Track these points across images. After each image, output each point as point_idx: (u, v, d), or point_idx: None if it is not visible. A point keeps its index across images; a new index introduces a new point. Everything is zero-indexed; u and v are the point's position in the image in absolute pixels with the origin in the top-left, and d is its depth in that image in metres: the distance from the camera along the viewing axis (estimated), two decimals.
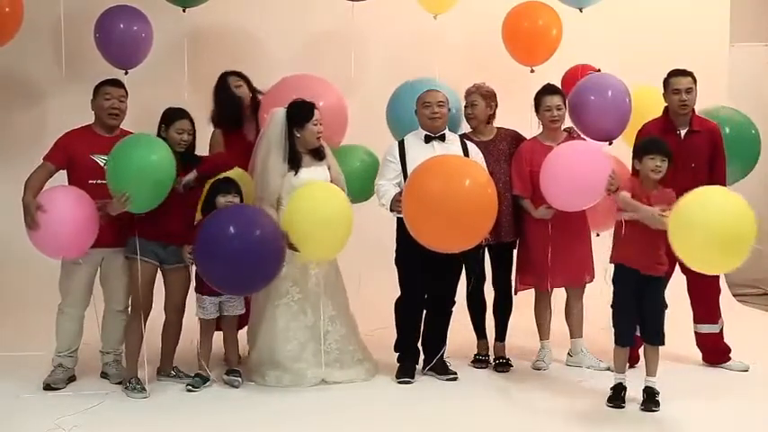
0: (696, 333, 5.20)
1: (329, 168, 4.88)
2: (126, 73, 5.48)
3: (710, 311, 5.15)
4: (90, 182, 4.67)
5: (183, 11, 5.65)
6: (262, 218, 4.53)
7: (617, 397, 4.48)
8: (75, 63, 5.80)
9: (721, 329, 5.16)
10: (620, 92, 5.16)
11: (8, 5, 5.10)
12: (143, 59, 5.62)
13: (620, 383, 4.51)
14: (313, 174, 4.79)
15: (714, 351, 5.17)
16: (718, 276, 5.13)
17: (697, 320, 5.19)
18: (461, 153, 4.88)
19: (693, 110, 5.02)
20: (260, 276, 4.50)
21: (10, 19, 5.14)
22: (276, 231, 4.50)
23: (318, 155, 4.85)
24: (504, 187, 5.04)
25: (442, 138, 4.90)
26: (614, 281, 4.50)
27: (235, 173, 4.86)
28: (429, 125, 4.89)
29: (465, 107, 5.22)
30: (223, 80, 5.25)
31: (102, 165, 4.68)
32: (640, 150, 4.52)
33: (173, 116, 4.72)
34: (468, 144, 4.98)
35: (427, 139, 4.90)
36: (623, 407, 4.44)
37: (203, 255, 4.44)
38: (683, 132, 5.00)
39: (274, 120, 4.83)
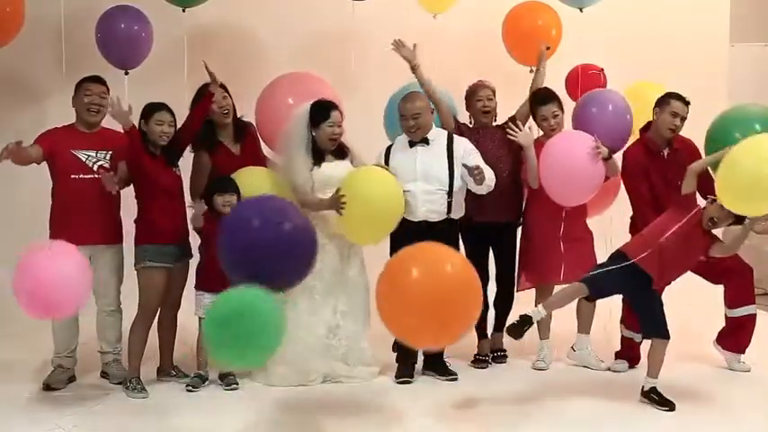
0: (726, 317, 5.07)
1: (352, 163, 4.91)
2: (126, 73, 5.48)
3: (741, 294, 5.00)
4: (72, 176, 4.75)
5: (183, 10, 5.65)
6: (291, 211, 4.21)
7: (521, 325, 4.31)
8: (76, 63, 5.76)
9: (754, 317, 5.01)
10: (621, 107, 5.13)
11: (8, 5, 5.09)
12: (143, 60, 5.61)
13: (530, 317, 4.32)
14: (335, 169, 4.83)
15: (732, 336, 5.05)
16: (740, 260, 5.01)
17: (729, 305, 5.04)
18: (445, 152, 4.89)
19: None
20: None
21: (11, 19, 5.14)
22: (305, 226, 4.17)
23: (341, 154, 4.90)
24: (503, 168, 5.09)
25: (426, 141, 4.92)
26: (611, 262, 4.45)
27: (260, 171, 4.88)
28: (408, 136, 4.94)
29: (478, 101, 5.20)
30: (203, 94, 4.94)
31: (83, 160, 4.73)
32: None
33: (151, 109, 4.70)
34: (455, 138, 4.97)
35: (411, 144, 4.94)
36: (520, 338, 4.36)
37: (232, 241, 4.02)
38: (665, 152, 4.99)
39: (298, 115, 4.88)
